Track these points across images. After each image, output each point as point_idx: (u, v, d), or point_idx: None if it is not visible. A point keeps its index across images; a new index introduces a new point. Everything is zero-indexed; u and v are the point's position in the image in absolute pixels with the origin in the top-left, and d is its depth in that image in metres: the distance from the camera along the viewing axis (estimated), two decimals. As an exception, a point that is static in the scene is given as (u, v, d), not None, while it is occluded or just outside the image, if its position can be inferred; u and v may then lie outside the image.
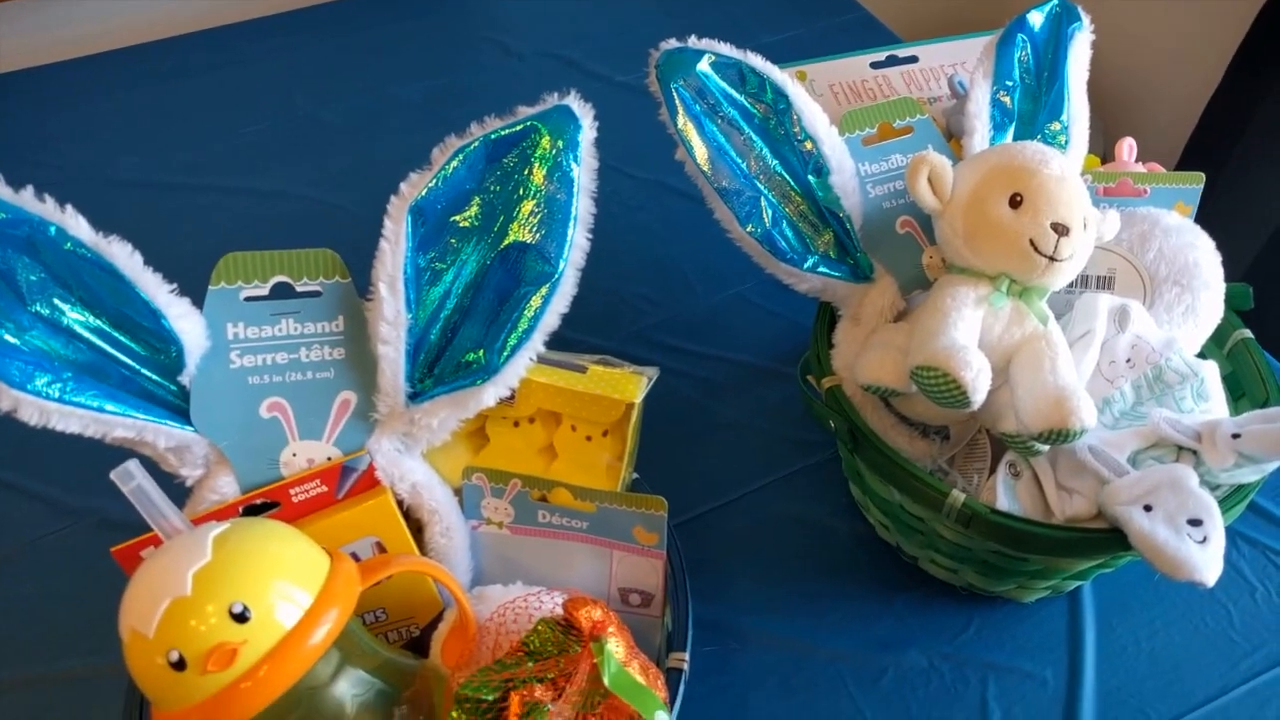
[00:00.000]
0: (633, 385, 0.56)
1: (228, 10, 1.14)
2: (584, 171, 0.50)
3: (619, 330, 0.83)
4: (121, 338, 0.48)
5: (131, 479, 0.42)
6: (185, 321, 0.48)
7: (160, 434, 0.48)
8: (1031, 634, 0.65)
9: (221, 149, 1.00)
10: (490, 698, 0.43)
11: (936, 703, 0.62)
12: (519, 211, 0.50)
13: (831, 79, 0.73)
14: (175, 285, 0.48)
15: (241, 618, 0.39)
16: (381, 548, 0.52)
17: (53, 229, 0.45)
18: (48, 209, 0.45)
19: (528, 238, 0.50)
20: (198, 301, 0.50)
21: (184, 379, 0.49)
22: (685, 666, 0.52)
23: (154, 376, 0.49)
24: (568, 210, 0.50)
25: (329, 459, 0.51)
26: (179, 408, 0.49)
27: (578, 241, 0.51)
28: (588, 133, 0.50)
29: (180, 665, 0.38)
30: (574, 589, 0.53)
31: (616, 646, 0.47)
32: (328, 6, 1.15)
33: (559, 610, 0.48)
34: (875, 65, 0.74)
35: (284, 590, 0.40)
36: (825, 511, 0.72)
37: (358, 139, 1.00)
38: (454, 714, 0.44)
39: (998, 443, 0.61)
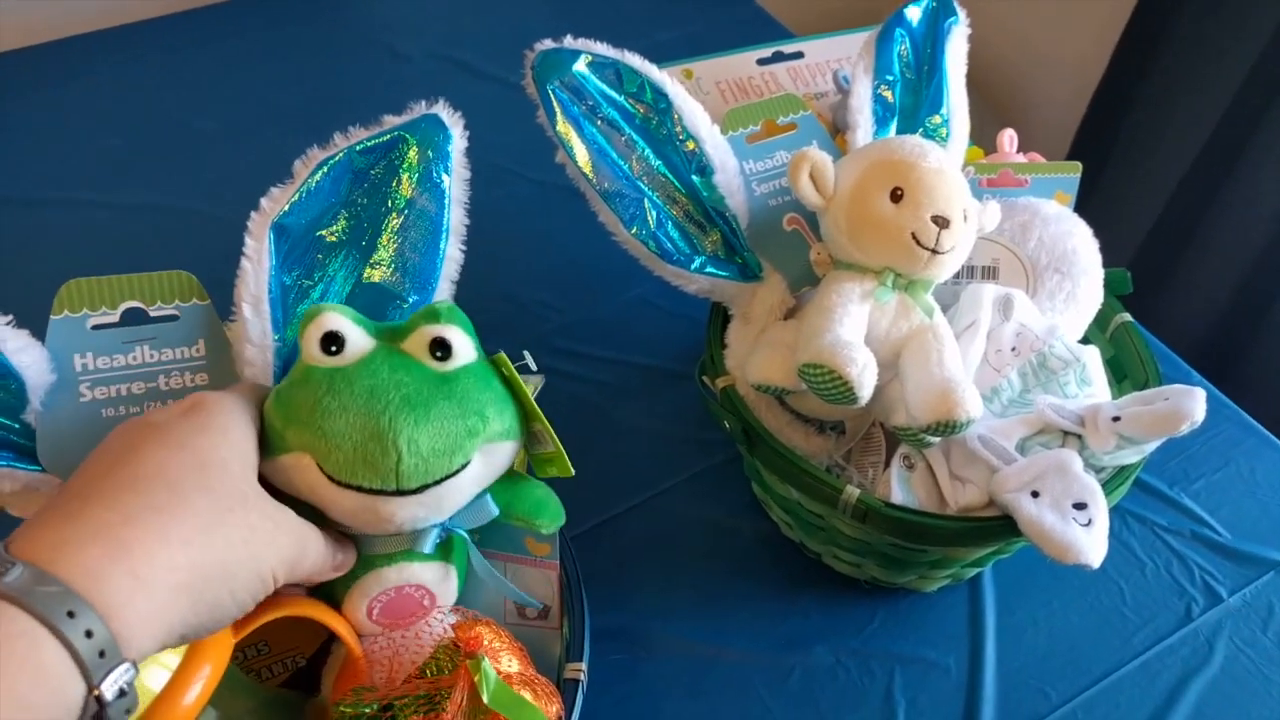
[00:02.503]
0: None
1: (97, 17, 1.09)
2: (455, 182, 0.49)
3: (518, 336, 0.82)
4: (-46, 375, 0.44)
5: None
6: (24, 355, 0.45)
7: (4, 478, 0.45)
8: (935, 623, 0.66)
9: (85, 161, 0.95)
10: (369, 710, 0.42)
11: (844, 698, 0.62)
12: (387, 225, 0.48)
13: (718, 76, 0.72)
14: (11, 316, 0.45)
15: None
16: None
17: None
18: None
19: (398, 251, 0.48)
20: (41, 332, 0.47)
21: (28, 416, 0.46)
22: (583, 677, 0.51)
23: (-9, 417, 0.46)
24: (439, 223, 0.48)
25: (198, 490, 0.48)
26: (23, 448, 0.46)
27: (451, 254, 0.49)
28: (458, 142, 0.49)
29: None
30: (464, 609, 0.51)
31: (510, 663, 0.46)
32: (205, 10, 1.11)
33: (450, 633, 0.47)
34: (762, 62, 0.74)
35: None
36: (728, 512, 0.71)
37: (235, 148, 0.96)
38: None
39: (892, 435, 0.61)
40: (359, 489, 0.41)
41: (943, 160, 0.56)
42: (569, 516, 0.51)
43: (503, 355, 0.45)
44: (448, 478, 0.43)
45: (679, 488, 0.73)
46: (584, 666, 0.50)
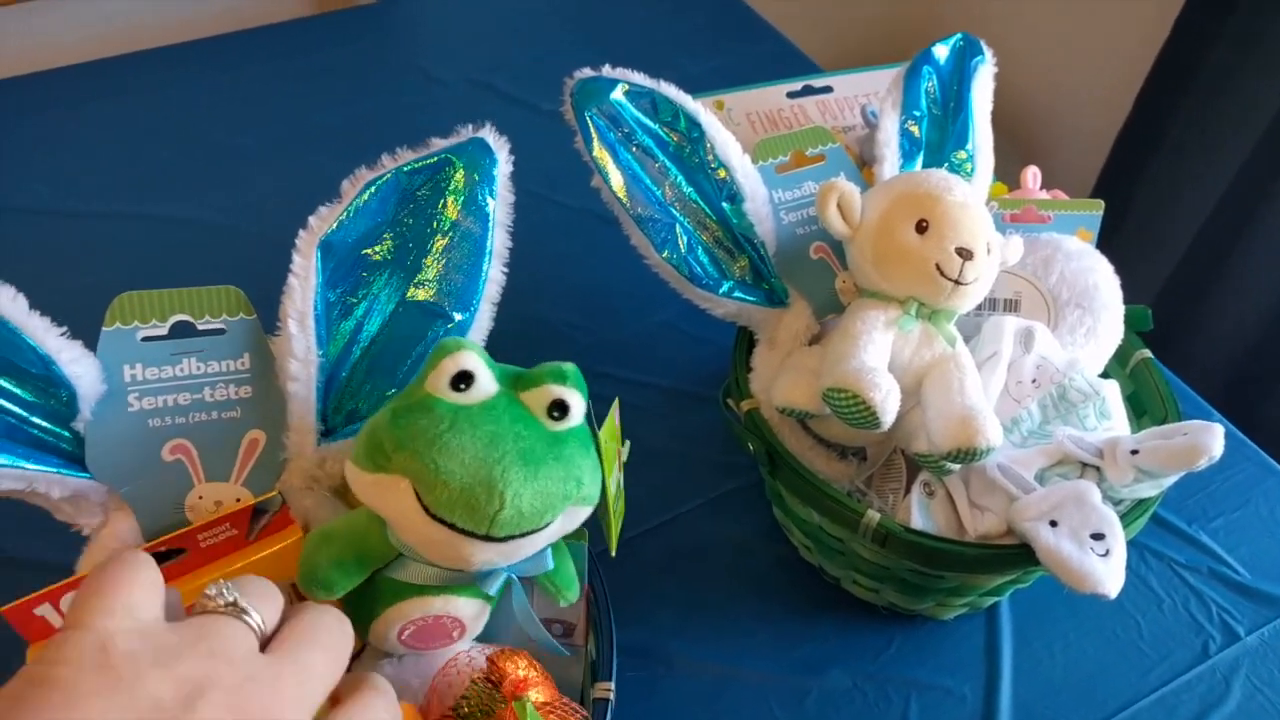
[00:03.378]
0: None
1: (144, 36, 1.12)
2: (499, 205, 0.50)
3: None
4: (7, 385, 0.46)
5: None
6: (78, 366, 0.46)
7: (53, 484, 0.46)
8: (951, 651, 0.66)
9: (133, 176, 0.98)
10: None
11: (860, 722, 0.63)
12: (432, 246, 0.49)
13: (749, 108, 0.74)
14: (65, 328, 0.46)
15: None
16: (296, 590, 0.50)
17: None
18: None
19: (441, 272, 0.50)
20: (95, 339, 0.48)
21: (78, 425, 0.47)
22: (611, 696, 0.51)
23: (44, 423, 0.47)
24: (482, 245, 0.50)
25: (238, 501, 0.50)
26: (73, 455, 0.47)
27: (493, 276, 0.50)
28: (503, 166, 0.50)
29: None
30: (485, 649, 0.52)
31: (539, 694, 0.47)
32: (248, 33, 1.14)
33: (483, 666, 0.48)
34: (791, 95, 0.76)
35: None
36: (749, 534, 0.72)
37: (277, 166, 0.99)
38: None
39: (913, 462, 0.62)
40: (451, 526, 0.41)
41: (967, 194, 0.57)
42: (592, 534, 0.52)
43: (611, 422, 0.47)
44: (533, 532, 0.43)
45: (701, 509, 0.74)
46: (612, 686, 0.51)
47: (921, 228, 0.56)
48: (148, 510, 0.49)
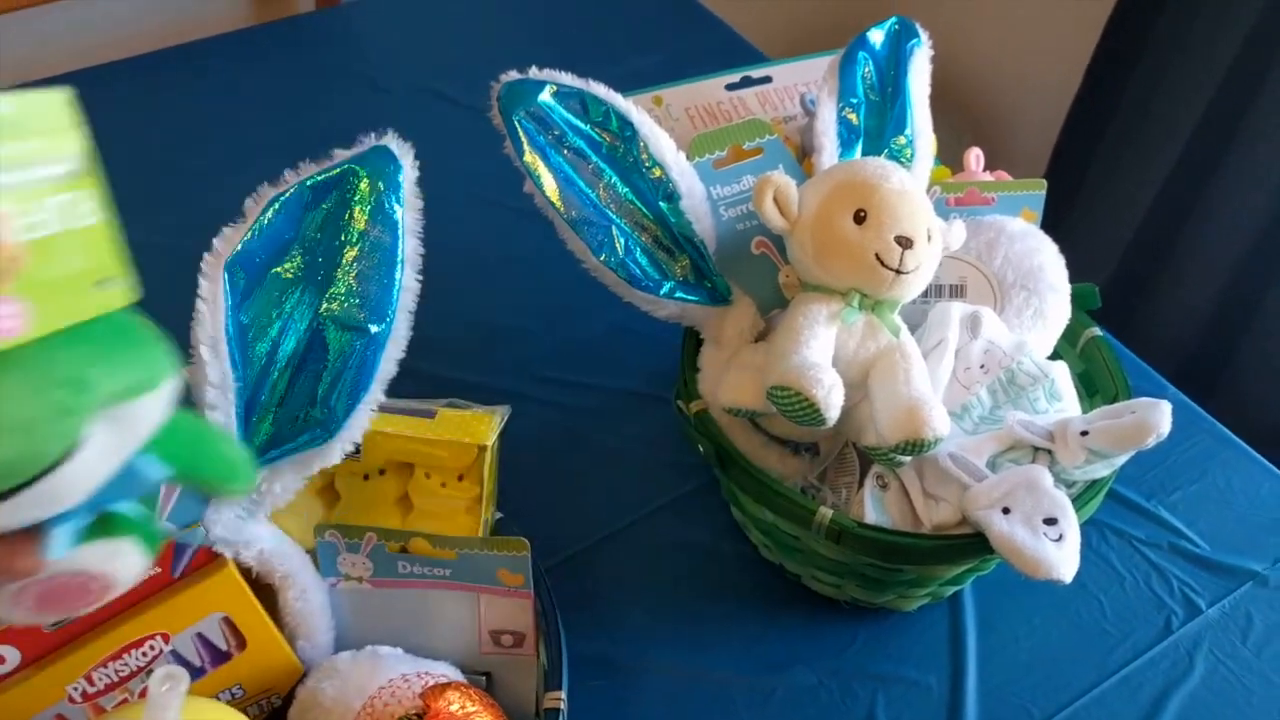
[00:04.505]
0: (484, 426, 0.55)
1: (80, 53, 1.10)
2: (408, 212, 0.49)
3: (498, 364, 0.82)
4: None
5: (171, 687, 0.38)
6: None
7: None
8: (915, 642, 0.66)
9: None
10: None
11: (826, 718, 0.62)
12: (342, 258, 0.48)
13: (687, 102, 0.73)
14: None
15: None
16: (230, 623, 0.49)
17: None
18: None
19: (354, 285, 0.48)
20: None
21: None
22: (562, 705, 0.50)
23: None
24: (393, 253, 0.48)
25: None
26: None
27: (407, 284, 0.49)
28: (409, 172, 0.49)
29: None
30: (431, 670, 0.51)
31: None
32: (187, 47, 1.11)
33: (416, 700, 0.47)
34: (730, 87, 0.75)
35: None
36: (709, 535, 0.71)
37: (225, 184, 0.97)
38: None
39: (865, 456, 0.61)
40: None
41: (905, 181, 0.56)
42: (550, 542, 0.51)
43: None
44: (43, 475, 0.31)
45: (659, 512, 0.73)
46: (563, 695, 0.50)
47: (860, 217, 0.55)
48: (69, 549, 0.47)
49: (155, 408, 0.35)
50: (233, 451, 0.42)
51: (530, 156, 0.57)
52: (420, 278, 0.49)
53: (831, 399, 0.52)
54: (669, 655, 0.65)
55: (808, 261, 0.57)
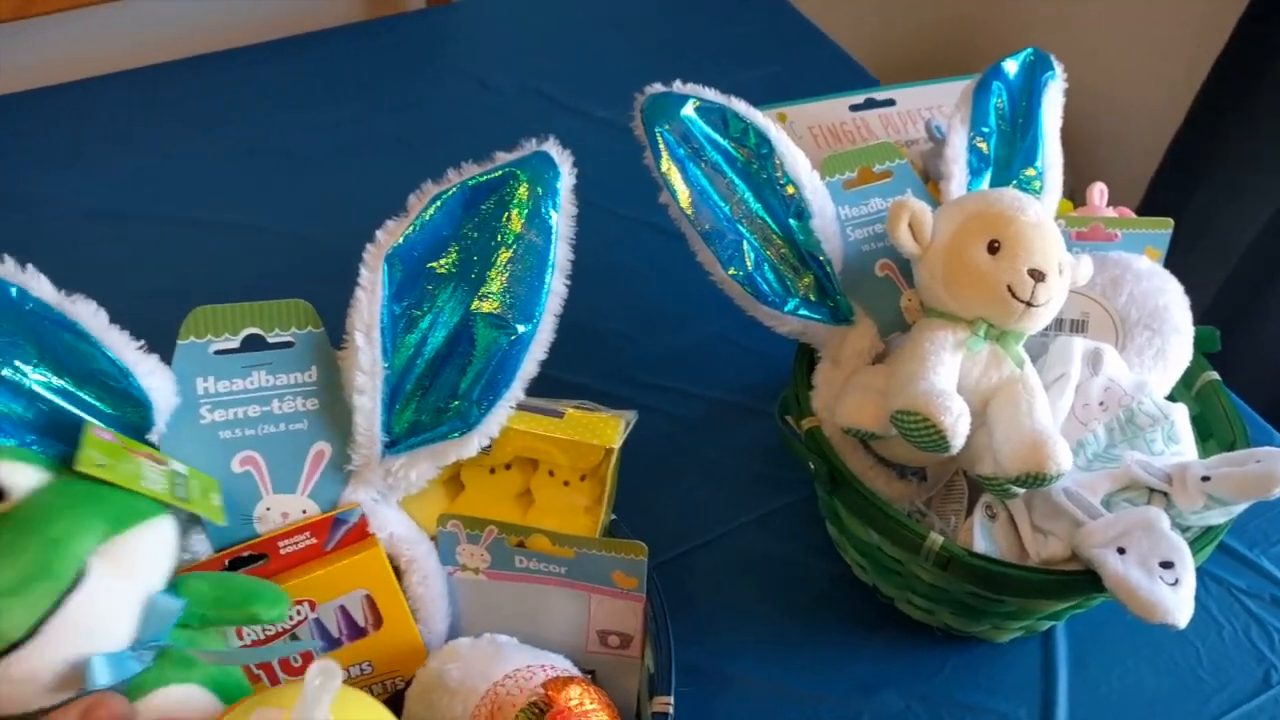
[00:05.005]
0: (611, 429, 0.56)
1: (195, 42, 1.13)
2: (562, 218, 0.50)
3: (596, 367, 0.83)
4: (86, 396, 0.46)
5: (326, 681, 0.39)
6: (154, 379, 0.47)
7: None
8: (1005, 674, 0.65)
9: (191, 180, 0.98)
10: None
11: (913, 745, 0.62)
12: (496, 259, 0.49)
13: (811, 121, 0.73)
14: (143, 341, 0.47)
15: None
16: (371, 600, 0.51)
17: (14, 290, 0.43)
18: (8, 269, 0.44)
19: (505, 285, 0.50)
20: (163, 347, 0.48)
21: (152, 437, 0.48)
22: (670, 709, 0.51)
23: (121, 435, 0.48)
24: (545, 257, 0.50)
25: (304, 512, 0.50)
26: (148, 463, 0.48)
27: (555, 288, 0.50)
28: (566, 179, 0.50)
29: None
30: (552, 663, 0.52)
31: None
32: (301, 39, 1.14)
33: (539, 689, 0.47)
34: (854, 108, 0.75)
35: None
36: (802, 551, 0.72)
37: (331, 172, 0.99)
38: None
39: (975, 484, 0.61)
40: None
41: (1040, 214, 0.56)
42: (653, 546, 0.52)
43: (85, 455, 0.42)
44: (56, 608, 0.39)
45: (752, 525, 0.73)
46: (671, 700, 0.51)
47: (993, 248, 0.55)
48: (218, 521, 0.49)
49: (153, 540, 0.43)
50: (248, 582, 0.47)
51: (668, 167, 0.58)
52: (569, 283, 0.50)
53: (959, 427, 0.52)
54: (757, 669, 0.65)
55: (936, 288, 0.57)
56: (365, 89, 1.08)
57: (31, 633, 0.38)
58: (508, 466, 0.58)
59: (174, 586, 0.44)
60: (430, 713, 0.49)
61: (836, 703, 0.64)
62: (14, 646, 0.38)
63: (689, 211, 0.58)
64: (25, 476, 0.41)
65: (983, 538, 0.58)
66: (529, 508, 0.58)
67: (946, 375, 0.55)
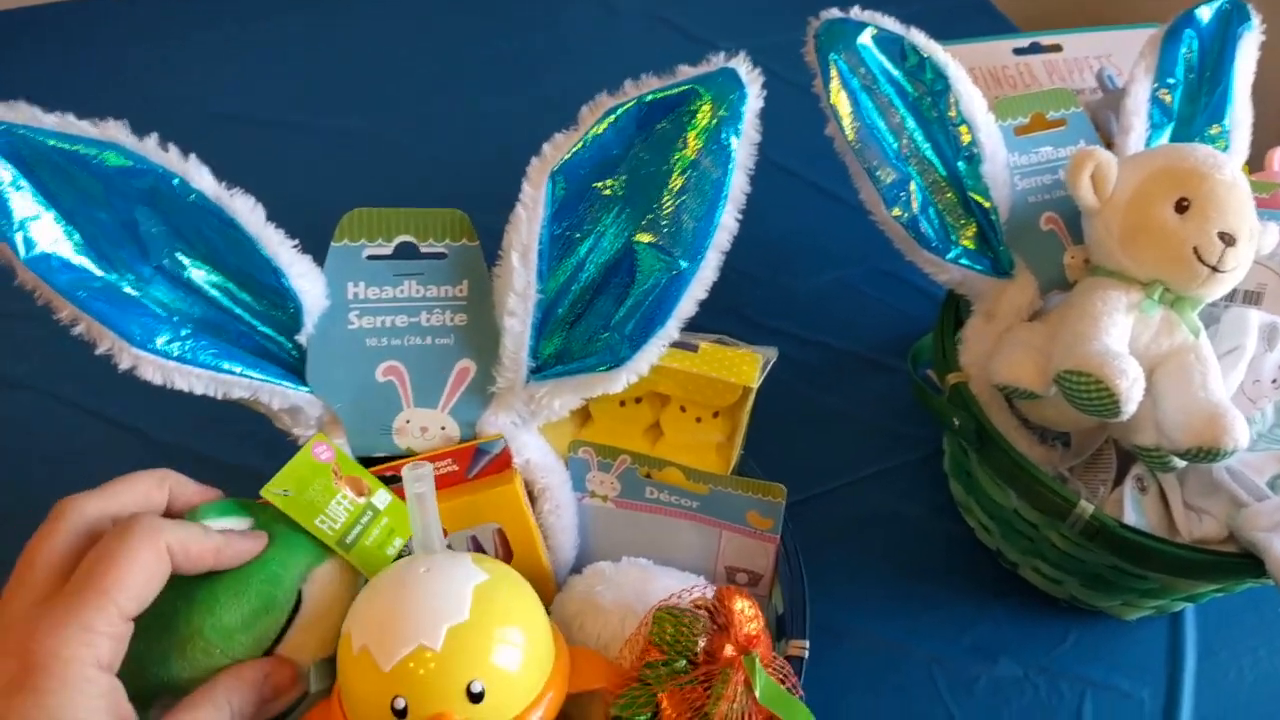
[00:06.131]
0: (750, 367, 0.54)
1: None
2: (743, 145, 0.47)
3: (712, 304, 0.79)
4: (239, 293, 0.45)
5: (421, 483, 0.42)
6: (305, 280, 0.46)
7: (275, 394, 0.46)
8: (1130, 652, 0.63)
9: (316, 88, 0.98)
10: (643, 718, 0.42)
11: (1030, 714, 0.60)
12: (667, 185, 0.46)
13: (972, 63, 0.68)
14: (297, 241, 0.46)
15: (474, 697, 0.38)
16: (503, 535, 0.50)
17: (176, 180, 0.42)
18: (171, 158, 0.43)
19: (673, 215, 0.47)
20: (312, 250, 0.47)
21: (301, 338, 0.47)
22: (805, 653, 0.50)
23: (270, 334, 0.47)
24: (720, 188, 0.46)
25: (443, 429, 0.49)
26: (294, 367, 0.47)
27: (725, 223, 0.47)
28: (753, 102, 0.47)
29: (401, 714, 0.37)
30: (698, 584, 0.51)
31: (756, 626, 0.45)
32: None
33: (683, 601, 0.46)
34: (1018, 51, 0.70)
35: (520, 681, 0.39)
36: (922, 510, 0.69)
37: (452, 89, 0.98)
38: None
39: (1124, 455, 0.58)
40: None
41: (1236, 174, 0.52)
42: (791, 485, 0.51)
43: (268, 490, 0.44)
44: (285, 631, 0.43)
45: (871, 480, 0.71)
46: (806, 645, 0.50)
47: (1182, 206, 0.52)
48: (358, 429, 0.48)
49: (337, 567, 0.45)
50: None
51: (838, 98, 0.55)
52: (740, 217, 0.48)
53: (1133, 392, 0.49)
54: (871, 624, 0.64)
55: (1111, 245, 0.54)
56: (481, 7, 1.06)
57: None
58: (638, 400, 0.56)
59: None
60: (580, 635, 0.48)
61: (953, 665, 0.62)
62: None
63: (855, 145, 0.55)
64: (233, 527, 0.43)
65: (1133, 510, 0.56)
66: (657, 442, 0.57)
67: (1120, 337, 0.52)
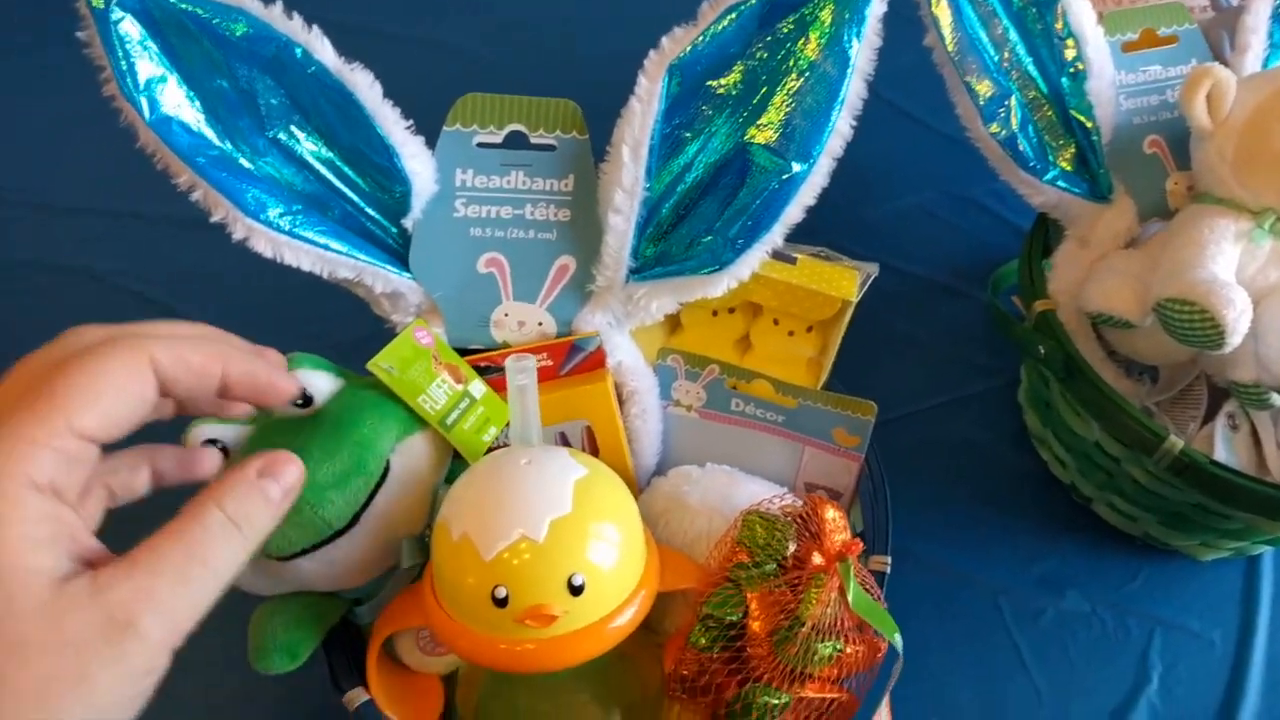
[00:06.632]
0: (849, 282, 0.53)
1: None
2: (864, 50, 0.46)
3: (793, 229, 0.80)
4: (350, 173, 0.45)
5: (524, 374, 0.42)
6: (417, 162, 0.46)
7: (379, 278, 0.46)
8: (1203, 593, 0.62)
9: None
10: (735, 617, 0.43)
11: (1097, 649, 0.60)
12: (783, 86, 0.45)
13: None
14: (411, 123, 0.46)
15: (575, 589, 0.38)
16: (591, 434, 0.50)
17: (299, 50, 0.42)
18: (295, 27, 0.42)
19: (787, 117, 0.46)
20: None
21: (407, 222, 0.47)
22: (887, 568, 0.50)
23: (376, 216, 0.47)
24: (837, 91, 0.45)
25: (540, 324, 0.49)
26: (397, 252, 0.47)
27: (840, 128, 0.46)
28: (877, 5, 0.45)
29: (501, 602, 0.38)
30: (784, 493, 0.51)
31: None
32: None
33: (772, 507, 0.46)
34: (1123, -34, 0.68)
35: (616, 577, 0.40)
36: (995, 440, 0.69)
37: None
38: (697, 630, 0.43)
39: (1214, 392, 0.57)
40: (305, 552, 0.41)
41: (1366, 102, 0.50)
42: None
43: (375, 363, 0.44)
44: (373, 497, 0.42)
45: (945, 407, 0.71)
46: (888, 559, 0.50)
47: (1305, 132, 0.50)
48: (457, 319, 0.48)
49: (426, 443, 0.45)
50: None
51: (940, 7, 0.53)
52: (854, 123, 0.47)
53: (1240, 323, 0.48)
54: (940, 550, 0.64)
55: (1223, 171, 0.52)
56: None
57: (353, 521, 0.42)
58: (731, 310, 0.56)
59: None
60: (664, 533, 0.48)
61: (1018, 596, 0.62)
62: (338, 534, 0.42)
63: (954, 56, 0.53)
64: (325, 383, 0.44)
65: (1223, 448, 0.55)
66: (746, 354, 0.56)
67: (1227, 266, 0.50)
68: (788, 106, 0.45)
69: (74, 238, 0.82)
